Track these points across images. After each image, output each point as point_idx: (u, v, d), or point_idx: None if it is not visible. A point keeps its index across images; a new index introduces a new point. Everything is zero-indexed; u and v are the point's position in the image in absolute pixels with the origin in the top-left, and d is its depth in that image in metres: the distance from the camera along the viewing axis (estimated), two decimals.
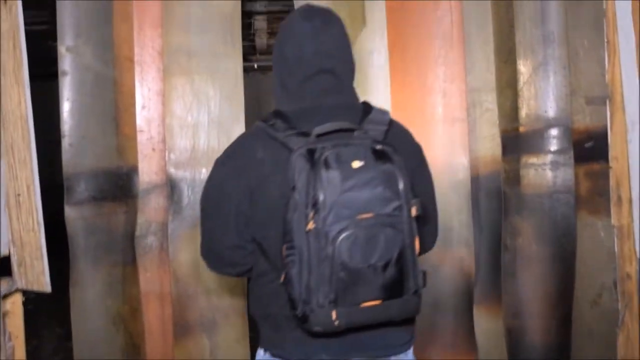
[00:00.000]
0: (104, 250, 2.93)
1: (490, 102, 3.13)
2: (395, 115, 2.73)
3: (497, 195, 3.14)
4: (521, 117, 3.13)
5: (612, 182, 3.06)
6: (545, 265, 3.17)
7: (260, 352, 2.00)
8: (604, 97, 3.06)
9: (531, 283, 3.20)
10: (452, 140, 3.09)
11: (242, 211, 1.89)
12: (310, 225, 1.70)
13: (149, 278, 3.02)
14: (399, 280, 1.76)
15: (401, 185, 1.74)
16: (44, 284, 2.55)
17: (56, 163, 2.90)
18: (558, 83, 3.10)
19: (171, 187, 2.96)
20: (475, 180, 3.11)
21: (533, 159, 3.13)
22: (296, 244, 1.72)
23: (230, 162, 1.96)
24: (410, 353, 1.98)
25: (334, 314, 1.71)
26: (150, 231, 3.02)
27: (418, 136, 2.08)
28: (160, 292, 3.03)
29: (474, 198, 3.10)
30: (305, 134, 1.79)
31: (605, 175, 3.08)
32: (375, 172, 1.73)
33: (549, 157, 3.11)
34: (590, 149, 3.10)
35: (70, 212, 2.84)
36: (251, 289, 2.02)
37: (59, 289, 2.76)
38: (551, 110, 3.11)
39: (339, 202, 1.69)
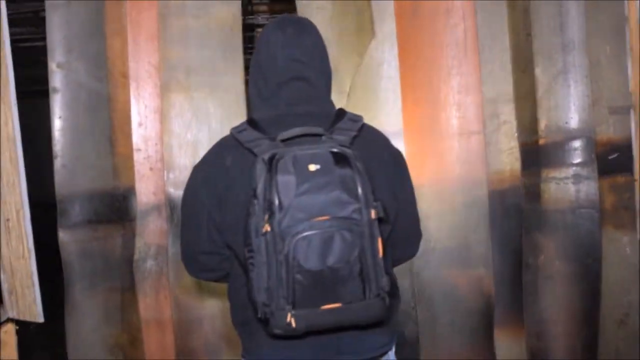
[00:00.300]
0: (101, 275, 2.83)
1: (507, 113, 3.01)
2: (407, 130, 2.60)
3: (517, 211, 3.03)
4: (541, 129, 2.98)
5: (637, 195, 2.95)
6: (569, 283, 3.03)
7: None
8: (627, 106, 2.94)
9: (554, 303, 3.06)
10: (468, 155, 2.97)
11: (213, 218, 1.94)
12: (266, 228, 1.74)
13: (149, 304, 2.92)
14: (359, 283, 1.77)
15: (360, 189, 1.77)
16: (36, 314, 2.46)
17: (49, 183, 2.79)
18: (579, 92, 2.96)
19: (170, 208, 2.86)
20: (493, 195, 2.99)
21: (554, 173, 2.99)
22: (254, 247, 1.76)
23: (201, 170, 2.01)
24: (389, 355, 2.01)
25: (289, 317, 1.74)
26: (150, 255, 2.92)
27: (432, 151, 2.11)
28: (161, 318, 2.93)
29: (492, 215, 2.99)
30: (272, 140, 1.84)
31: (630, 187, 2.96)
32: (332, 175, 1.76)
33: (571, 171, 2.97)
34: (614, 160, 2.98)
35: (64, 236, 2.75)
36: (229, 296, 2.05)
37: (54, 316, 2.68)
38: (572, 121, 2.97)
39: (294, 205, 1.73)
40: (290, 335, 1.79)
